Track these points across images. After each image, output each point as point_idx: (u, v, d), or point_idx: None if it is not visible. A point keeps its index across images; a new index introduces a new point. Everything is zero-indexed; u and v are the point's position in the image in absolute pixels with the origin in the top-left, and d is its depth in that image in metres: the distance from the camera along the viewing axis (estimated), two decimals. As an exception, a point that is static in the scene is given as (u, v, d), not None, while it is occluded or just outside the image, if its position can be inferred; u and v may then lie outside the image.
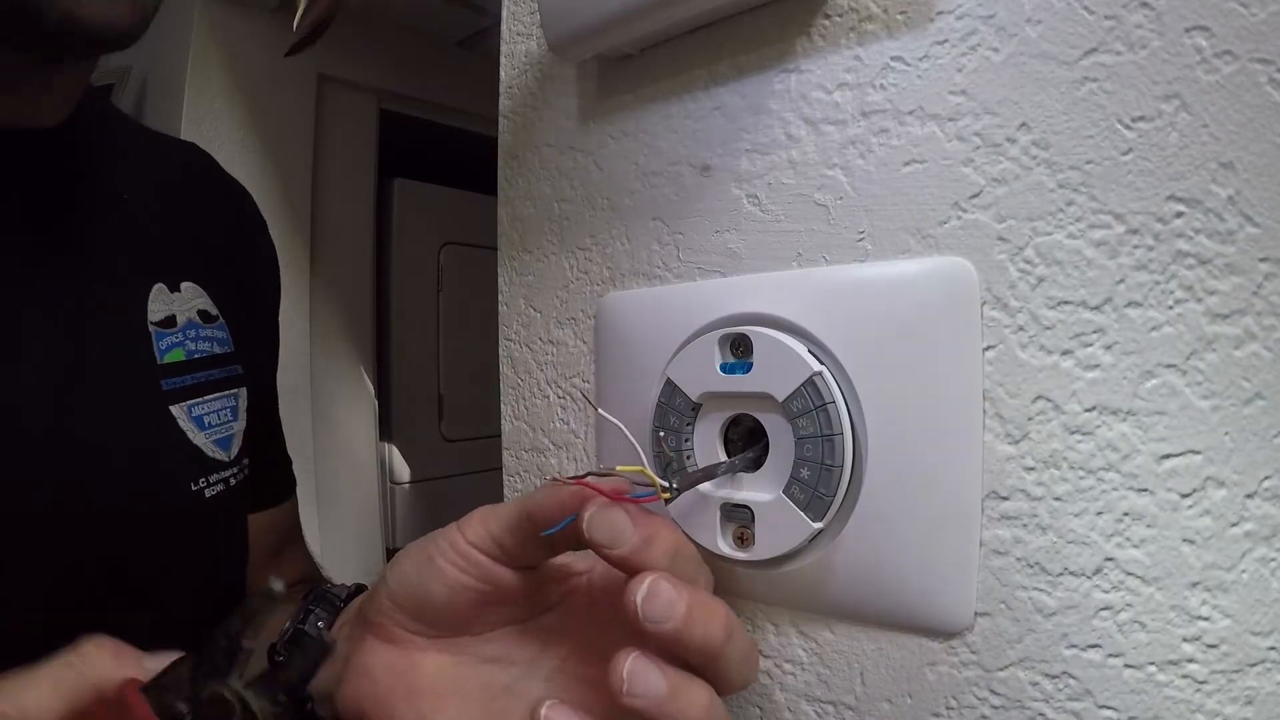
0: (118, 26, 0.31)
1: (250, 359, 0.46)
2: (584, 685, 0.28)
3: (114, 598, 0.36)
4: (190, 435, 0.40)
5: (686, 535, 0.29)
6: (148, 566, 0.37)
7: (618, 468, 0.25)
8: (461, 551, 0.27)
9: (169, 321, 0.40)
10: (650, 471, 0.24)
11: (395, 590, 0.29)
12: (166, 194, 0.44)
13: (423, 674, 0.29)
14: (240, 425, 0.43)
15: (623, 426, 0.26)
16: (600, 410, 0.27)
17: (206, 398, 0.41)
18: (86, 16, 0.30)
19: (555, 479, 0.25)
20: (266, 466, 0.50)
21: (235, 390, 0.43)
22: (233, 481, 0.42)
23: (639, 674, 0.23)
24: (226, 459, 0.42)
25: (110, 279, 0.38)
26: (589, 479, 0.24)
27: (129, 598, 0.36)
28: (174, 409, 0.39)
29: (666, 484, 0.25)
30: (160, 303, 0.40)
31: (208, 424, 0.41)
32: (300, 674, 0.27)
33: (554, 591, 0.29)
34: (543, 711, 0.24)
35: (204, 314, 0.42)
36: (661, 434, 0.30)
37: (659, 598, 0.23)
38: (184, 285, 0.42)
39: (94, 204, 0.39)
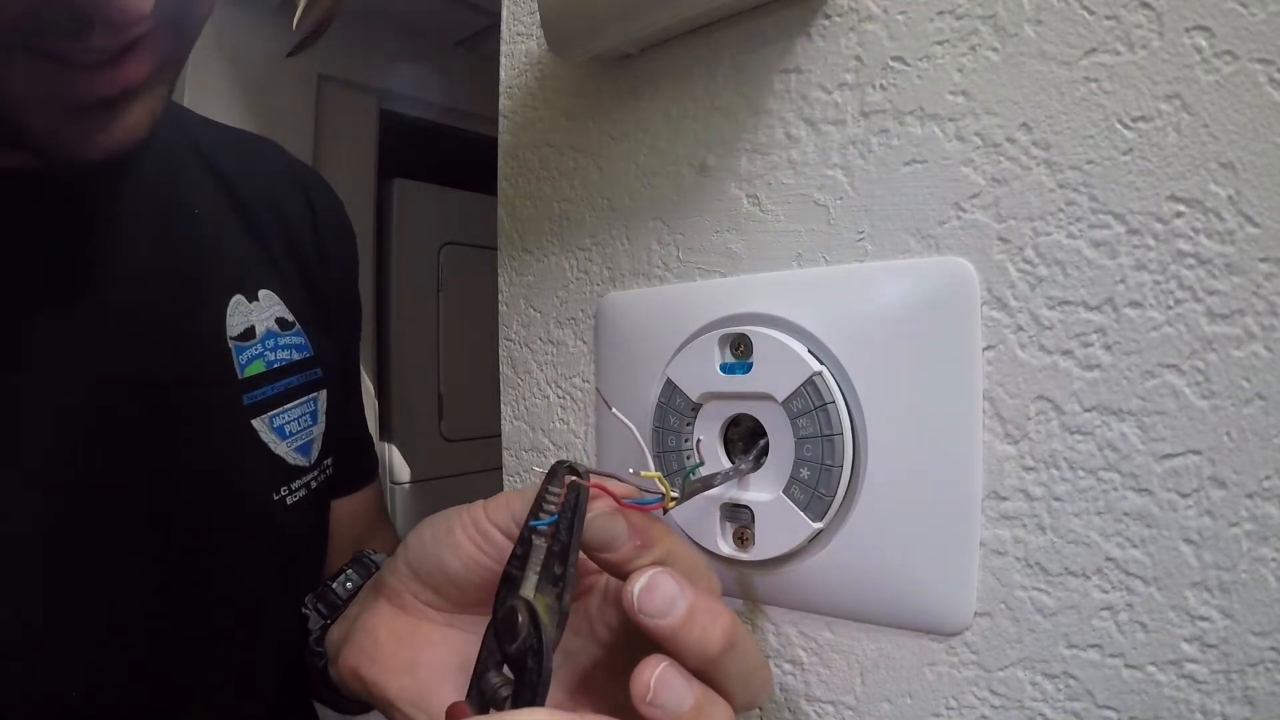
0: (126, 147, 0.29)
1: (329, 358, 0.45)
2: (583, 684, 0.28)
3: (199, 604, 0.36)
4: (272, 446, 0.40)
5: (689, 539, 0.29)
6: (232, 573, 0.38)
7: (643, 473, 0.24)
8: (481, 529, 0.27)
9: (248, 334, 0.40)
10: (663, 479, 0.24)
11: (412, 557, 0.29)
12: (238, 199, 0.43)
13: (427, 646, 0.29)
14: (320, 429, 0.43)
15: (634, 428, 0.26)
16: (615, 410, 0.27)
17: (287, 406, 0.41)
18: (86, 152, 0.28)
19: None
20: (351, 453, 0.50)
21: (315, 394, 0.43)
22: (314, 485, 0.42)
23: (667, 684, 0.22)
24: (307, 464, 0.42)
25: (187, 298, 0.38)
26: (594, 479, 0.24)
27: (214, 603, 0.37)
28: (255, 422, 0.39)
29: (677, 493, 0.25)
30: (239, 316, 0.40)
31: (289, 433, 0.41)
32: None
33: None
34: None
35: (281, 321, 0.42)
36: (698, 439, 0.29)
37: (657, 592, 0.22)
38: (261, 294, 0.41)
39: (166, 226, 0.38)
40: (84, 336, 0.33)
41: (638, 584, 0.22)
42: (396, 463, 1.37)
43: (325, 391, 0.44)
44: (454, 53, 1.38)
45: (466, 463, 1.43)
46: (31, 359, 0.32)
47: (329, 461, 0.44)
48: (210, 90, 1.03)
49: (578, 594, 0.29)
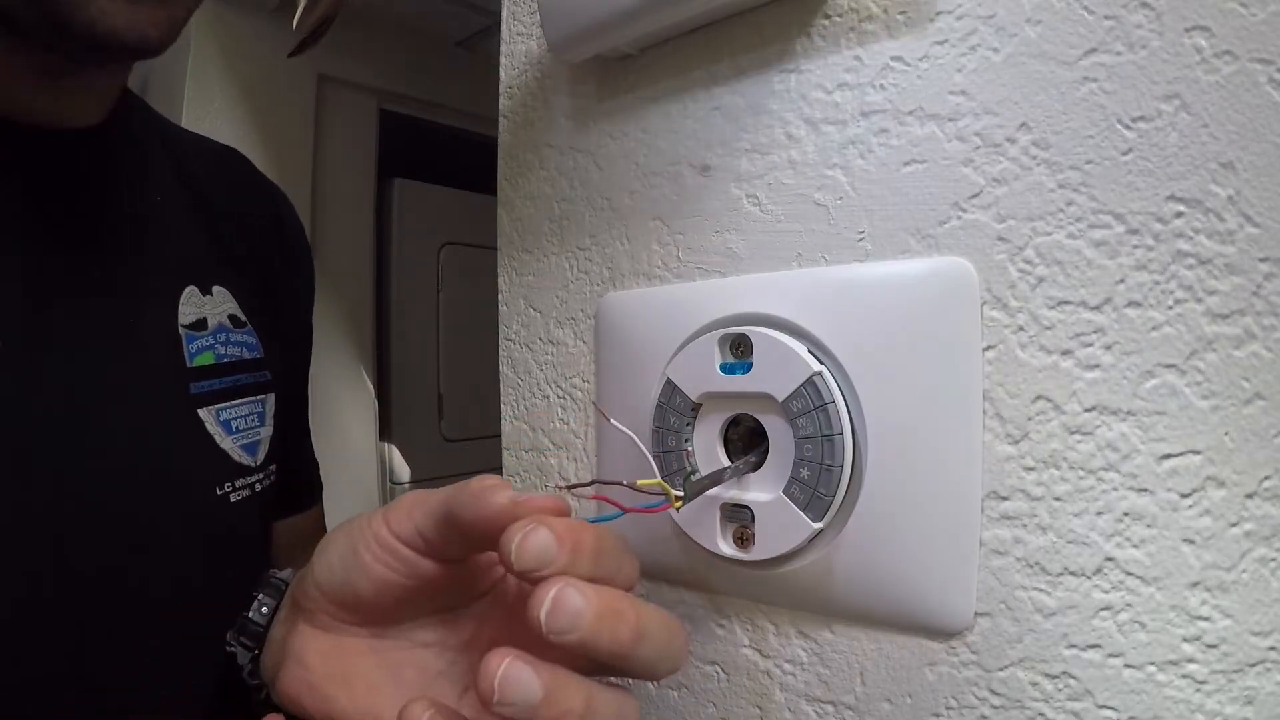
0: (146, 38, 0.31)
1: (279, 365, 0.45)
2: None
3: (135, 600, 0.35)
4: (217, 439, 0.40)
5: (689, 538, 0.29)
6: (169, 570, 0.37)
7: (639, 482, 0.24)
8: (386, 545, 0.26)
9: (200, 324, 0.40)
10: (666, 484, 0.24)
11: (322, 580, 0.28)
12: (201, 197, 0.44)
13: (357, 662, 0.28)
14: (268, 431, 0.43)
15: (634, 436, 0.25)
16: (613, 421, 0.27)
17: (235, 402, 0.41)
18: (111, 28, 0.29)
19: (485, 483, 0.23)
20: (294, 472, 0.49)
21: (263, 396, 0.43)
22: (259, 487, 0.42)
23: (511, 680, 0.20)
24: (253, 464, 0.42)
25: (141, 280, 0.38)
26: (594, 487, 0.23)
27: (150, 601, 0.36)
28: (202, 412, 0.39)
29: (680, 494, 0.24)
30: (191, 305, 0.40)
31: (235, 428, 0.41)
32: None
33: (484, 580, 0.28)
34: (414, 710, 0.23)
35: (234, 319, 0.42)
36: (686, 450, 0.30)
37: (563, 609, 0.21)
38: (215, 289, 0.42)
39: (127, 205, 0.39)
40: (38, 305, 0.33)
41: (544, 608, 0.21)
42: (396, 463, 1.37)
43: (274, 395, 0.44)
44: (454, 53, 1.38)
45: (466, 463, 1.43)
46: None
47: (274, 468, 0.44)
48: (210, 90, 1.03)
49: (497, 584, 0.28)
